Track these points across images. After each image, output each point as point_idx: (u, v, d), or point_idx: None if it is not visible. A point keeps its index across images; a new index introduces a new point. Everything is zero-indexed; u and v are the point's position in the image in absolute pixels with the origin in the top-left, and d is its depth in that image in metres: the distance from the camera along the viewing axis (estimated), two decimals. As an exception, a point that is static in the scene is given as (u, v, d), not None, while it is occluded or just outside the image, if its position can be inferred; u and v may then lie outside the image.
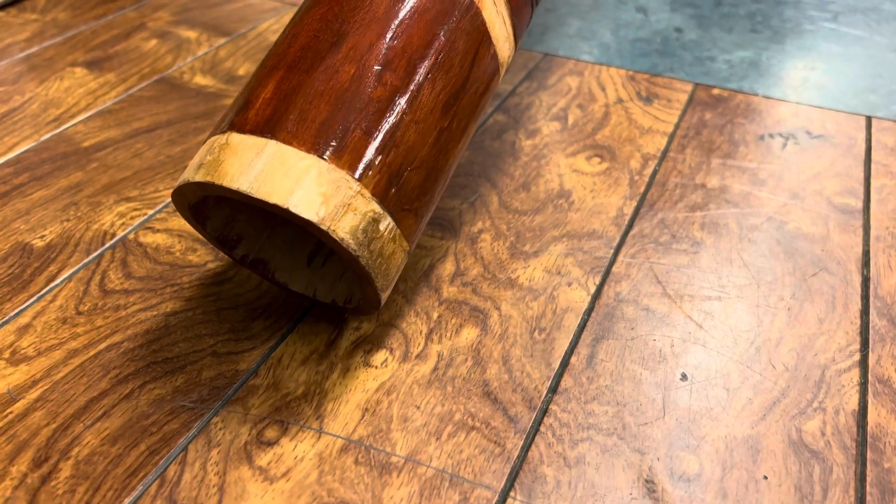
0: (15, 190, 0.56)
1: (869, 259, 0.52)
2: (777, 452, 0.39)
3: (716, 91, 0.71)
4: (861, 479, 0.38)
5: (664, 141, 0.63)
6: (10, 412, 0.40)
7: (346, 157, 0.38)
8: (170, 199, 0.56)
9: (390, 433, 0.40)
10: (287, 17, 0.83)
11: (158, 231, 0.53)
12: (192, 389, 0.42)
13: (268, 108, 0.38)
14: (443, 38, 0.42)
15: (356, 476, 0.38)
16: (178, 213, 0.54)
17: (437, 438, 0.40)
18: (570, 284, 0.49)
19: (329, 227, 0.36)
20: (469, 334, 0.46)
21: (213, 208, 0.43)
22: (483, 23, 0.45)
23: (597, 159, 0.61)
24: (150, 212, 0.54)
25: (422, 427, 0.40)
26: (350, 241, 0.37)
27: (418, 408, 0.41)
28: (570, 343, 0.45)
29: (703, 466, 0.39)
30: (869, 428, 0.41)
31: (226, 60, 0.74)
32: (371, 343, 0.45)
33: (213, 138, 0.39)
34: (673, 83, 0.72)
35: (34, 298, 0.47)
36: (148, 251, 0.51)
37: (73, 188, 0.57)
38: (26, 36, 0.78)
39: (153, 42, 0.77)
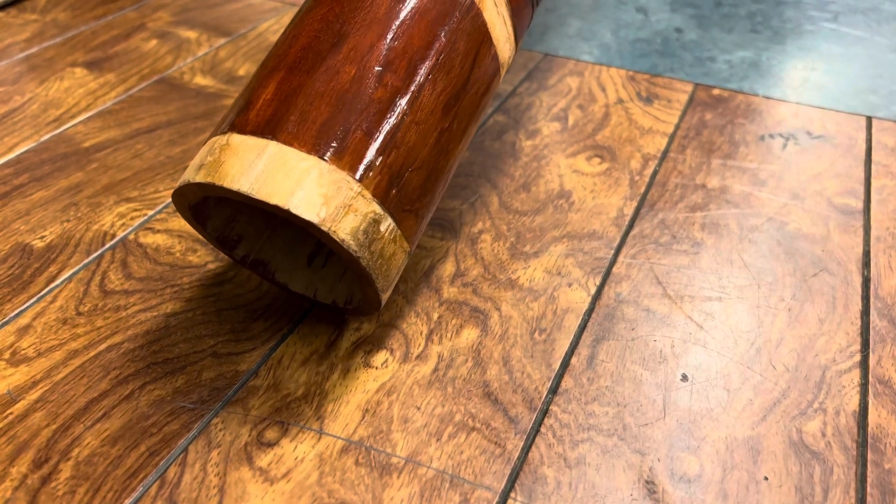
0: (15, 190, 0.56)
1: (869, 259, 0.52)
2: (777, 453, 0.39)
3: (716, 91, 0.71)
4: (861, 480, 0.38)
5: (664, 141, 0.63)
6: (11, 413, 0.40)
7: (347, 158, 0.38)
8: (170, 200, 0.56)
9: (391, 434, 0.40)
10: (287, 18, 0.83)
11: (158, 232, 0.53)
12: (192, 390, 0.42)
13: (268, 109, 0.38)
14: (444, 39, 0.42)
15: (356, 477, 0.38)
16: (178, 214, 0.54)
17: (438, 439, 0.40)
18: (570, 285, 0.49)
19: (330, 228, 0.36)
20: (469, 335, 0.46)
21: (214, 209, 0.43)
22: (484, 23, 0.45)
23: (597, 160, 0.61)
24: (151, 212, 0.54)
25: (422, 428, 0.40)
26: (351, 242, 0.37)
27: (419, 408, 0.41)
28: (571, 344, 0.45)
29: (704, 467, 0.39)
30: (869, 429, 0.41)
31: (226, 61, 0.74)
32: (371, 344, 0.45)
33: (213, 139, 0.39)
34: (673, 83, 0.72)
35: (34, 299, 0.47)
36: (148, 252, 0.51)
37: (73, 189, 0.57)
38: (26, 36, 0.78)
39: (153, 42, 0.77)
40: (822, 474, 0.39)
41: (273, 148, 0.37)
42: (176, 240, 0.52)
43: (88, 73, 0.72)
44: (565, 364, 0.44)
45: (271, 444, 0.39)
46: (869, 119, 0.67)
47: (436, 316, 0.47)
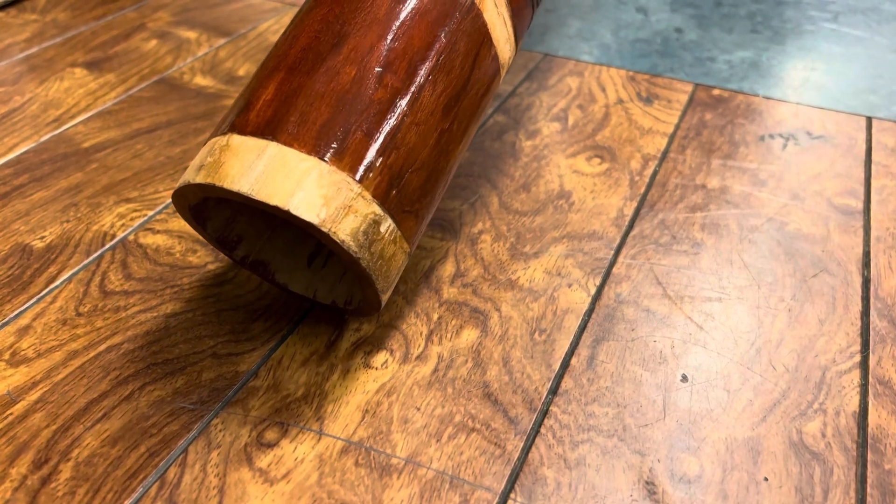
0: (15, 191, 0.56)
1: (869, 260, 0.52)
2: (778, 454, 0.39)
3: (716, 91, 0.71)
4: (862, 480, 0.38)
5: (664, 141, 0.63)
6: (10, 414, 0.40)
7: (347, 159, 0.38)
8: (170, 200, 0.56)
9: (390, 435, 0.40)
10: (287, 18, 0.83)
11: (158, 232, 0.53)
12: (192, 391, 0.42)
13: (269, 110, 0.38)
14: (444, 40, 0.42)
15: (356, 478, 0.38)
16: (177, 214, 0.54)
17: (438, 440, 0.40)
18: (570, 285, 0.49)
19: (330, 229, 0.36)
20: (469, 335, 0.45)
21: (214, 209, 0.43)
22: (484, 24, 0.44)
23: (597, 160, 0.61)
24: (150, 213, 0.54)
25: (422, 429, 0.40)
26: (351, 242, 0.37)
27: (418, 409, 0.41)
28: (571, 344, 0.45)
29: (704, 468, 0.39)
30: (869, 429, 0.41)
31: (226, 61, 0.74)
32: (371, 344, 0.45)
33: (213, 140, 0.39)
34: (673, 84, 0.72)
35: (34, 300, 0.47)
36: (148, 252, 0.51)
37: (72, 189, 0.57)
38: (26, 36, 0.78)
39: (153, 42, 0.77)
40: (823, 475, 0.39)
41: (273, 149, 0.37)
42: (176, 240, 0.52)
43: (88, 74, 0.72)
44: (565, 365, 0.44)
45: (271, 445, 0.39)
46: (869, 119, 0.67)
47: (436, 316, 0.47)
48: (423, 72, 0.41)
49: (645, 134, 0.64)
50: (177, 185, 0.43)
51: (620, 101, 0.69)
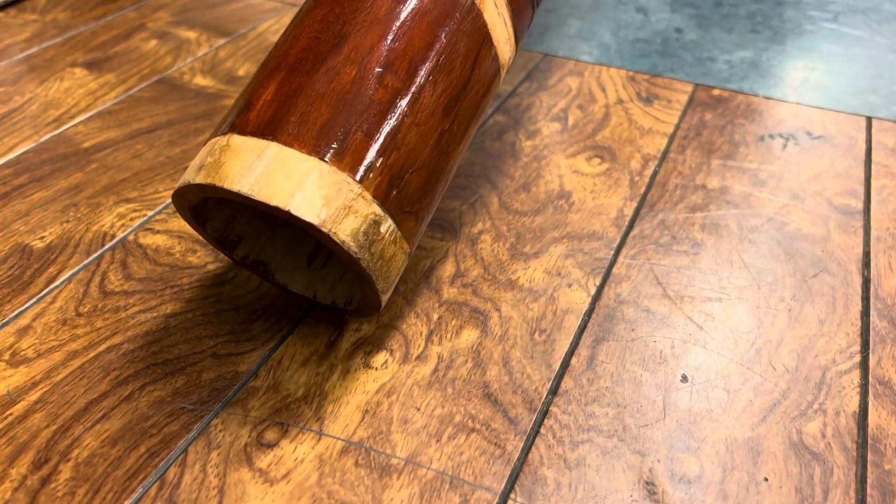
0: (15, 191, 0.56)
1: (869, 260, 0.52)
2: (778, 454, 0.39)
3: (716, 92, 0.71)
4: (862, 481, 0.38)
5: (664, 142, 0.63)
6: (10, 414, 0.40)
7: (348, 160, 0.38)
8: (170, 201, 0.56)
9: (390, 435, 0.40)
10: (287, 18, 0.83)
11: (158, 232, 0.53)
12: (191, 391, 0.42)
13: (269, 110, 0.38)
14: (444, 40, 0.42)
15: (356, 478, 0.38)
16: (177, 215, 0.54)
17: (438, 440, 0.40)
18: (570, 286, 0.49)
19: (330, 230, 0.36)
20: (469, 336, 0.45)
21: (214, 209, 0.43)
22: (484, 24, 0.44)
23: (597, 160, 0.61)
24: (150, 213, 0.54)
25: (422, 429, 0.40)
26: (351, 243, 0.37)
27: (418, 409, 0.41)
28: (571, 344, 0.45)
29: (704, 468, 0.39)
30: (869, 430, 0.41)
31: (226, 61, 0.74)
32: (371, 344, 0.45)
33: (213, 140, 0.39)
34: (673, 84, 0.72)
35: (34, 300, 0.47)
36: (148, 252, 0.51)
37: (72, 189, 0.57)
38: (26, 36, 0.78)
39: (153, 42, 0.77)
40: (823, 475, 0.39)
41: (273, 149, 0.37)
42: (176, 240, 0.52)
43: (88, 74, 0.71)
44: (565, 365, 0.44)
45: (271, 445, 0.39)
46: (869, 119, 0.67)
47: (436, 317, 0.47)
48: (423, 72, 0.41)
49: (645, 134, 0.64)
50: (177, 185, 0.43)
51: (620, 101, 0.69)
